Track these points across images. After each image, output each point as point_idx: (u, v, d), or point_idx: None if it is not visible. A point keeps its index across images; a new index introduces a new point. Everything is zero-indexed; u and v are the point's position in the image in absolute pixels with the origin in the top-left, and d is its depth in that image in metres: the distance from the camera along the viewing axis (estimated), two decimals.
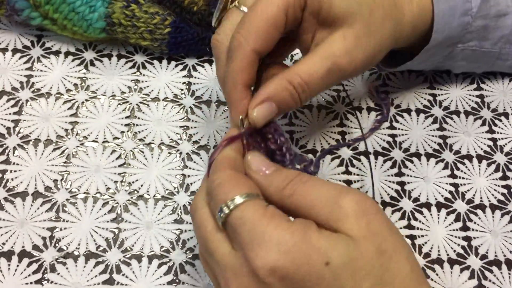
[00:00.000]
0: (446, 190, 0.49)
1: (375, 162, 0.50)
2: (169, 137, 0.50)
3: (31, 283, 0.42)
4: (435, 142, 0.52)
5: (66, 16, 0.51)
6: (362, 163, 0.50)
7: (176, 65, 0.55)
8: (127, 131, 0.50)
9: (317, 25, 0.39)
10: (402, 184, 0.49)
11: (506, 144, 0.52)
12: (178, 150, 0.49)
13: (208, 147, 0.50)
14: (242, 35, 0.36)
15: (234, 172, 0.33)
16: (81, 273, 0.43)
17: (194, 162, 0.49)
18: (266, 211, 0.31)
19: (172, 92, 0.53)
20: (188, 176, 0.48)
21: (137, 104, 0.52)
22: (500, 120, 0.54)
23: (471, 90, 0.56)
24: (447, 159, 0.51)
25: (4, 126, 0.49)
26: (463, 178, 0.50)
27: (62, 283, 0.42)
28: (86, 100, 0.51)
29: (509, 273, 0.45)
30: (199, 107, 0.52)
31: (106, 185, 0.47)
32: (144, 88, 0.53)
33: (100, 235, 0.45)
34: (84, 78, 0.53)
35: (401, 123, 0.53)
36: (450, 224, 0.47)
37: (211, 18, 0.54)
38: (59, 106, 0.51)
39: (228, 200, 0.31)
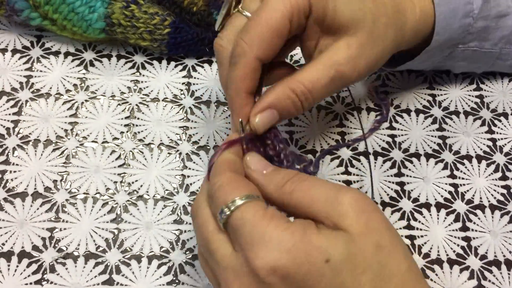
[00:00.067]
0: (445, 190, 0.49)
1: (375, 163, 0.50)
2: (168, 137, 0.50)
3: (30, 283, 0.42)
4: (434, 143, 0.52)
5: (65, 16, 0.51)
6: (361, 164, 0.50)
7: (176, 66, 0.55)
8: (127, 132, 0.50)
9: (321, 33, 0.39)
10: (401, 184, 0.49)
11: (505, 144, 0.52)
12: (177, 150, 0.49)
13: (208, 147, 0.50)
14: (246, 42, 0.36)
15: (234, 175, 0.34)
16: (80, 274, 0.43)
17: (194, 162, 0.49)
18: (266, 212, 0.31)
19: (172, 93, 0.53)
20: (188, 176, 0.48)
21: (136, 105, 0.52)
22: (500, 121, 0.54)
23: (471, 90, 0.56)
24: (446, 160, 0.51)
25: (4, 126, 0.49)
26: (463, 178, 0.50)
27: (62, 284, 0.42)
28: (86, 101, 0.51)
29: (509, 273, 0.45)
30: (199, 107, 0.52)
31: (105, 186, 0.47)
32: (144, 88, 0.53)
33: (100, 235, 0.45)
34: (84, 79, 0.53)
35: (400, 124, 0.53)
36: (449, 225, 0.47)
37: (211, 19, 0.54)
38: (59, 107, 0.51)
39: (228, 201, 0.31)
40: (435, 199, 0.48)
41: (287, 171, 0.35)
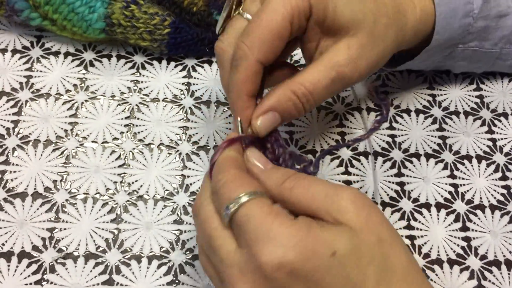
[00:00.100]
0: (445, 190, 0.49)
1: (375, 163, 0.50)
2: (168, 137, 0.50)
3: (30, 283, 0.42)
4: (434, 143, 0.52)
5: (65, 16, 0.51)
6: (361, 164, 0.50)
7: (176, 66, 0.55)
8: (127, 132, 0.50)
9: (322, 34, 0.39)
10: (401, 184, 0.49)
11: (505, 144, 0.52)
12: (177, 150, 0.49)
13: (208, 147, 0.50)
14: (247, 45, 0.36)
15: (239, 171, 0.34)
16: (80, 274, 0.43)
17: (194, 162, 0.49)
18: (272, 209, 0.31)
19: (172, 93, 0.53)
20: (188, 176, 0.48)
21: (136, 105, 0.52)
22: (500, 121, 0.54)
23: (471, 90, 0.56)
24: (446, 160, 0.51)
25: (4, 126, 0.49)
26: (463, 178, 0.50)
27: (62, 284, 0.42)
28: (86, 101, 0.51)
29: (509, 274, 0.45)
30: (199, 107, 0.52)
31: (105, 186, 0.47)
32: (144, 88, 0.53)
33: (100, 235, 0.45)
34: (84, 79, 0.53)
35: (400, 124, 0.53)
36: (449, 225, 0.47)
37: (211, 19, 0.54)
38: (59, 107, 0.51)
39: (234, 198, 0.31)
40: (435, 199, 0.48)
41: (285, 169, 0.35)
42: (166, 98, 0.52)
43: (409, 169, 0.50)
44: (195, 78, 0.54)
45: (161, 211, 0.46)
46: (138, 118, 0.51)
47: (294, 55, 0.56)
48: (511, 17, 0.48)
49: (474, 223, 0.48)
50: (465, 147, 0.52)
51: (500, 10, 0.48)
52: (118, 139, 0.49)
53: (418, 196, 0.48)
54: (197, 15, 0.54)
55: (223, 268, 0.32)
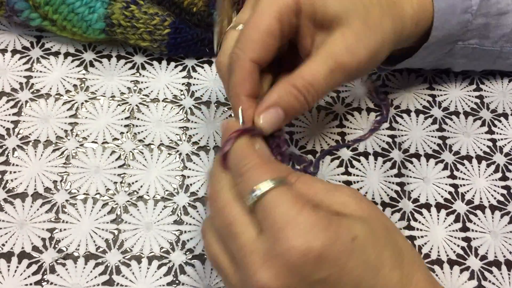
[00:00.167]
0: (445, 190, 0.49)
1: (375, 163, 0.50)
2: (168, 138, 0.50)
3: (30, 284, 0.42)
4: (434, 143, 0.52)
5: (65, 17, 0.51)
6: (361, 164, 0.50)
7: (176, 66, 0.55)
8: (127, 132, 0.50)
9: (315, 29, 0.39)
10: (401, 185, 0.49)
11: (505, 144, 0.52)
12: (177, 151, 0.49)
13: (208, 148, 0.50)
14: (239, 48, 0.37)
15: (263, 158, 0.34)
16: (80, 274, 0.43)
17: (194, 163, 0.49)
18: (298, 197, 0.31)
19: (172, 93, 0.53)
20: (188, 177, 0.48)
21: (136, 105, 0.52)
22: (500, 121, 0.54)
23: (471, 90, 0.56)
24: (446, 160, 0.51)
25: (4, 127, 0.49)
26: (463, 178, 0.50)
27: (62, 284, 0.42)
28: (86, 101, 0.51)
29: (509, 274, 0.45)
30: (199, 108, 0.52)
31: (105, 186, 0.47)
32: (144, 89, 0.53)
33: (100, 236, 0.45)
34: (84, 79, 0.53)
35: (400, 124, 0.53)
36: (449, 225, 0.47)
37: (211, 19, 0.54)
38: (59, 107, 0.51)
39: (261, 182, 0.31)
40: (435, 200, 0.48)
41: (287, 166, 0.36)
42: (166, 98, 0.52)
43: (409, 170, 0.50)
44: (195, 78, 0.54)
45: (161, 212, 0.46)
46: (138, 119, 0.51)
47: None
48: (511, 15, 0.48)
49: (474, 223, 0.48)
50: (465, 147, 0.52)
51: (500, 7, 0.48)
52: (118, 139, 0.49)
53: (418, 197, 0.48)
54: (197, 16, 0.54)
55: (242, 255, 0.31)
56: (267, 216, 0.31)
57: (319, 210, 0.31)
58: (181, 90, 0.53)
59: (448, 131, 0.53)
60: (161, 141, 0.50)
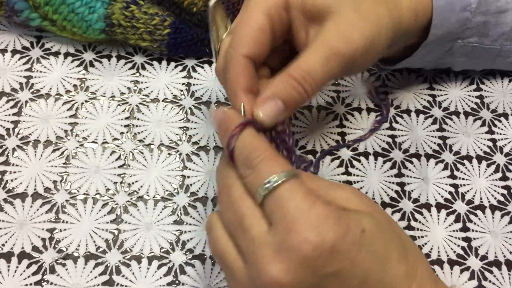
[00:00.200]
0: (446, 190, 0.49)
1: (375, 163, 0.50)
2: (168, 138, 0.50)
3: (30, 284, 0.42)
4: (434, 143, 0.52)
5: (65, 17, 0.51)
6: (362, 164, 0.50)
7: (176, 66, 0.55)
8: (127, 132, 0.50)
9: (307, 22, 0.39)
10: (402, 185, 0.49)
11: (505, 144, 0.52)
12: (177, 151, 0.49)
13: (208, 148, 0.50)
14: (232, 46, 0.37)
15: (275, 151, 0.34)
16: (80, 275, 0.43)
17: (194, 163, 0.49)
18: (310, 191, 0.31)
19: (172, 93, 0.53)
20: (188, 177, 0.48)
21: (136, 105, 0.52)
22: (500, 121, 0.54)
23: (471, 90, 0.56)
24: (446, 160, 0.51)
25: (4, 127, 0.49)
26: (463, 178, 0.50)
27: (62, 285, 0.42)
28: (86, 101, 0.51)
29: (509, 274, 0.45)
30: (199, 108, 0.52)
31: (105, 186, 0.47)
32: (144, 89, 0.53)
33: (100, 236, 0.45)
34: (84, 79, 0.53)
35: (400, 124, 0.53)
36: (450, 225, 0.47)
37: None
38: (59, 107, 0.51)
39: (274, 174, 0.31)
40: (436, 200, 0.48)
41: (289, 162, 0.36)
42: (166, 98, 0.52)
43: (409, 170, 0.50)
44: (195, 78, 0.54)
45: (161, 212, 0.46)
46: (138, 119, 0.51)
47: None
48: (511, 13, 0.48)
49: (475, 223, 0.48)
50: (465, 147, 0.52)
51: (499, 6, 0.48)
52: (118, 139, 0.49)
53: (418, 197, 0.48)
54: (197, 16, 0.54)
55: (254, 249, 0.31)
56: (280, 208, 0.31)
57: (330, 204, 0.32)
58: (181, 90, 0.53)
59: (448, 131, 0.53)
60: (161, 141, 0.50)
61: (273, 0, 0.38)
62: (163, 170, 0.48)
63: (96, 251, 0.44)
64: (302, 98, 0.37)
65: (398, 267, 0.31)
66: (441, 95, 0.55)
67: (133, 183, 0.47)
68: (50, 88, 0.52)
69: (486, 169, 0.51)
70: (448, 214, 0.48)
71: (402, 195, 0.49)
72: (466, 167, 0.50)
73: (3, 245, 0.44)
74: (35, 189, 0.46)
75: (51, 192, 0.46)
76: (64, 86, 0.52)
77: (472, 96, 0.55)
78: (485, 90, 0.56)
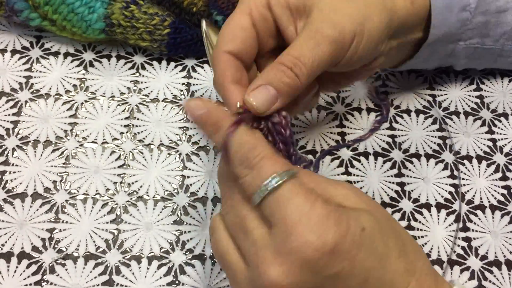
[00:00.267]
0: (446, 190, 0.49)
1: (375, 163, 0.50)
2: (168, 138, 0.50)
3: (30, 284, 0.42)
4: (434, 143, 0.52)
5: (65, 17, 0.51)
6: (361, 164, 0.50)
7: (176, 66, 0.54)
8: (127, 132, 0.50)
9: (294, 16, 0.39)
10: (402, 185, 0.49)
11: (505, 144, 0.52)
12: (177, 151, 0.49)
13: (208, 148, 0.50)
14: (216, 47, 0.38)
15: (271, 150, 0.33)
16: (80, 275, 0.43)
17: (194, 163, 0.49)
18: (309, 190, 0.31)
19: (172, 93, 0.53)
20: (188, 177, 0.48)
21: (136, 105, 0.52)
22: (500, 121, 0.54)
23: (471, 90, 0.56)
24: (446, 160, 0.51)
25: (3, 127, 0.49)
26: (463, 178, 0.50)
27: (62, 285, 0.42)
28: (85, 101, 0.51)
29: (509, 274, 0.45)
30: None
31: (105, 186, 0.47)
32: (144, 89, 0.53)
33: (100, 236, 0.44)
34: (83, 79, 0.53)
35: (400, 124, 0.53)
36: (450, 225, 0.47)
37: (211, 19, 0.54)
38: (58, 107, 0.51)
39: (274, 174, 0.31)
40: (436, 200, 0.48)
41: (285, 160, 0.35)
42: (166, 98, 0.52)
43: (409, 170, 0.50)
44: (195, 78, 0.54)
45: (161, 212, 0.46)
46: (138, 119, 0.51)
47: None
48: (511, 12, 0.48)
49: (475, 223, 0.48)
50: (465, 147, 0.52)
51: (499, 5, 0.47)
52: (118, 139, 0.49)
53: (419, 197, 0.48)
54: (197, 16, 0.54)
55: (255, 251, 0.31)
56: (279, 210, 0.30)
57: (329, 202, 0.31)
58: (181, 90, 0.53)
59: (448, 131, 0.53)
60: (161, 141, 0.50)
61: (254, 1, 0.38)
62: (163, 170, 0.48)
63: (96, 251, 0.44)
64: (295, 83, 0.36)
65: (398, 263, 0.31)
66: (441, 95, 0.55)
67: (133, 183, 0.47)
68: (50, 88, 0.52)
69: (486, 169, 0.51)
70: (448, 214, 0.48)
71: (402, 195, 0.48)
72: (466, 167, 0.50)
73: (2, 245, 0.44)
74: (34, 189, 0.46)
75: (50, 192, 0.46)
76: (63, 86, 0.52)
77: (472, 96, 0.55)
78: (485, 90, 0.56)
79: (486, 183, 0.50)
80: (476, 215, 0.48)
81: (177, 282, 0.43)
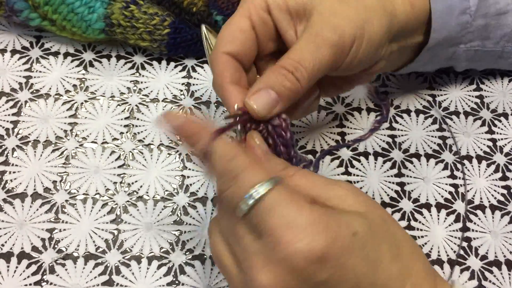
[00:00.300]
0: (446, 190, 0.49)
1: (375, 163, 0.50)
2: (168, 138, 0.50)
3: (30, 284, 0.42)
4: (434, 143, 0.52)
5: (65, 17, 0.51)
6: (361, 164, 0.50)
7: (175, 66, 0.54)
8: (127, 132, 0.50)
9: (294, 20, 0.39)
10: (402, 184, 0.49)
11: (505, 144, 0.52)
12: (177, 151, 0.49)
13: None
14: (214, 48, 0.38)
15: (254, 156, 0.33)
16: (80, 275, 0.43)
17: (194, 163, 0.49)
18: (293, 196, 0.31)
19: (171, 93, 0.53)
20: (188, 177, 0.48)
21: (136, 105, 0.51)
22: (500, 121, 0.54)
23: (471, 90, 0.56)
24: (446, 160, 0.51)
25: (3, 127, 0.49)
26: (463, 178, 0.50)
27: (61, 285, 0.42)
28: (85, 101, 0.51)
29: (509, 274, 0.45)
30: (199, 108, 0.52)
31: (105, 186, 0.47)
32: (144, 89, 0.53)
33: (100, 236, 0.44)
34: (83, 79, 0.53)
35: (400, 124, 0.53)
36: (450, 225, 0.47)
37: (210, 19, 0.54)
38: (58, 107, 0.51)
39: (258, 183, 0.30)
40: (436, 200, 0.48)
41: (284, 160, 0.35)
42: (166, 98, 0.52)
43: (409, 169, 0.50)
44: (195, 78, 0.54)
45: (161, 212, 0.46)
46: (137, 119, 0.51)
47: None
48: (511, 14, 0.48)
49: (475, 223, 0.48)
50: (465, 147, 0.52)
51: (499, 7, 0.47)
52: (117, 139, 0.49)
53: (418, 197, 0.48)
54: (196, 15, 0.54)
55: (245, 256, 0.31)
56: (265, 220, 0.30)
57: (318, 206, 0.31)
58: (181, 90, 0.53)
59: (448, 131, 0.52)
60: (160, 141, 0.50)
61: (254, 4, 0.38)
62: (163, 170, 0.48)
63: (96, 251, 0.44)
64: (296, 87, 0.36)
65: (391, 267, 0.31)
66: (441, 95, 0.55)
67: (132, 183, 0.47)
68: (50, 88, 0.52)
69: (486, 169, 0.50)
70: (448, 214, 0.48)
71: (402, 195, 0.48)
72: (466, 167, 0.50)
73: (2, 245, 0.43)
74: (34, 189, 0.46)
75: (50, 192, 0.46)
76: (63, 86, 0.52)
77: (472, 96, 0.55)
78: (485, 90, 0.56)
79: (486, 183, 0.50)
80: (476, 215, 0.48)
81: (177, 282, 0.43)
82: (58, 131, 0.49)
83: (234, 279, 0.33)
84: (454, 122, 0.53)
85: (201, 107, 0.52)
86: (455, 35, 0.47)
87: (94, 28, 0.51)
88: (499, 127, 0.53)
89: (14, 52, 0.54)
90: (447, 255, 0.46)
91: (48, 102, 0.51)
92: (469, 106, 0.54)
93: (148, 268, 0.43)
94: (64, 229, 0.45)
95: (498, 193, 0.49)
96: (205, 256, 0.44)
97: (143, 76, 0.53)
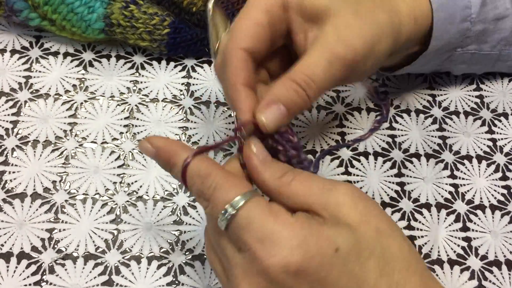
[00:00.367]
0: (446, 190, 0.49)
1: (375, 163, 0.50)
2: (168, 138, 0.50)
3: (29, 284, 0.42)
4: (434, 143, 0.52)
5: (65, 17, 0.51)
6: (361, 164, 0.50)
7: (175, 66, 0.54)
8: (126, 132, 0.50)
9: (306, 24, 0.39)
10: (401, 184, 0.49)
11: (505, 144, 0.52)
12: None
13: None
14: (230, 41, 0.37)
15: (226, 172, 0.33)
16: (80, 275, 0.43)
17: None
18: (271, 209, 0.31)
19: (171, 93, 0.53)
20: None
21: (136, 105, 0.51)
22: (500, 121, 0.54)
23: (471, 90, 0.56)
24: (446, 160, 0.51)
25: (3, 127, 0.49)
26: (463, 178, 0.50)
27: (61, 285, 0.42)
28: (85, 101, 0.51)
29: (509, 274, 0.45)
30: (198, 107, 0.52)
31: (105, 186, 0.47)
32: (143, 89, 0.53)
33: (99, 236, 0.44)
34: (83, 79, 0.53)
35: (400, 124, 0.53)
36: (450, 225, 0.47)
37: None
38: (58, 107, 0.51)
39: (230, 201, 0.31)
40: (436, 200, 0.48)
41: (284, 164, 0.35)
42: (166, 98, 0.52)
43: (409, 169, 0.50)
44: (194, 78, 0.54)
45: (160, 212, 0.46)
46: (137, 119, 0.51)
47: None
48: (510, 19, 0.48)
49: (475, 223, 0.48)
50: (465, 147, 0.52)
51: (498, 12, 0.47)
52: (117, 139, 0.49)
53: (418, 196, 0.48)
54: (196, 15, 0.54)
55: (229, 266, 0.32)
56: (242, 235, 0.31)
57: (302, 217, 0.31)
58: (181, 90, 0.53)
59: (448, 131, 0.52)
60: None
61: (272, 0, 0.38)
62: (163, 170, 0.48)
63: (96, 251, 0.44)
64: (305, 103, 0.36)
65: (379, 283, 0.30)
66: (441, 95, 0.55)
67: (132, 183, 0.47)
68: (49, 88, 0.52)
69: (486, 169, 0.50)
70: (448, 214, 0.48)
71: (402, 195, 0.48)
72: (466, 167, 0.50)
73: (2, 245, 0.43)
74: (34, 189, 0.46)
75: (50, 192, 0.46)
76: (63, 86, 0.52)
77: (472, 96, 0.55)
78: (485, 90, 0.56)
79: (486, 183, 0.50)
80: (476, 215, 0.48)
81: (176, 282, 0.43)
82: (58, 131, 0.49)
83: (224, 285, 0.34)
84: (454, 122, 0.53)
85: (201, 107, 0.52)
86: (454, 41, 0.47)
87: (94, 28, 0.51)
88: (499, 127, 0.53)
89: (13, 52, 0.54)
90: (447, 255, 0.46)
91: (47, 102, 0.51)
92: (469, 106, 0.54)
93: (148, 268, 0.43)
94: (64, 229, 0.45)
95: (498, 193, 0.49)
96: (205, 256, 0.44)
97: (142, 76, 0.53)
